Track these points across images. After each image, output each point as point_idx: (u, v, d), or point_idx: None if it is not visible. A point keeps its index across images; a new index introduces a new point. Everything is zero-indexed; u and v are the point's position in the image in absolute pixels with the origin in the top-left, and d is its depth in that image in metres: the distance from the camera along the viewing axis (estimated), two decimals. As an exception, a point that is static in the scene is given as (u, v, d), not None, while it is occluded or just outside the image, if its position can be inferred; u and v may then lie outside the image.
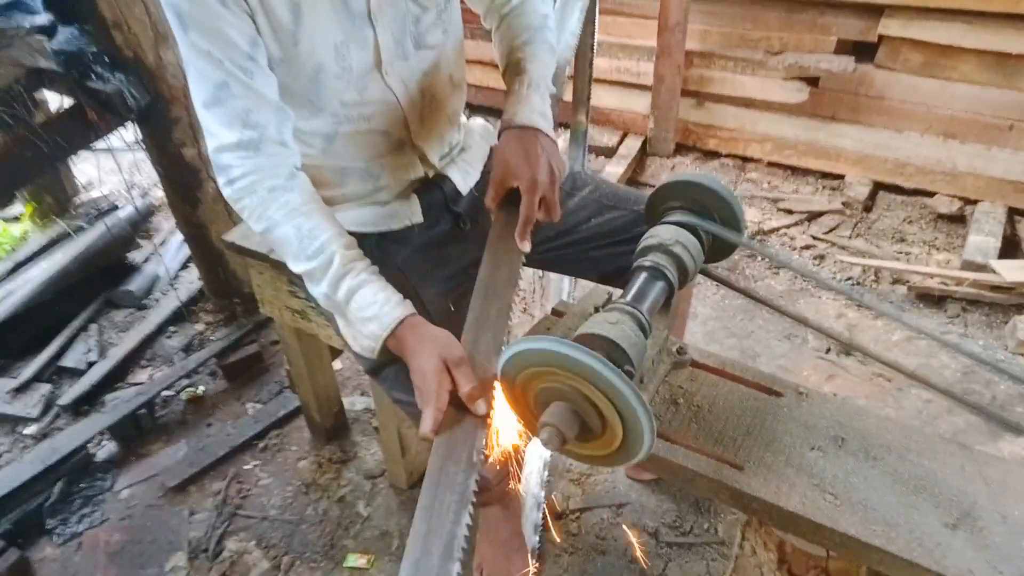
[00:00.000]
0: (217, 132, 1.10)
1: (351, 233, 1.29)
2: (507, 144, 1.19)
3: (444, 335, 1.04)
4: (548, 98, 1.28)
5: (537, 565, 1.72)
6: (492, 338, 1.05)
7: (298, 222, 1.11)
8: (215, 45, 1.04)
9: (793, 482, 1.01)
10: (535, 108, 1.22)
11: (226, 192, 1.14)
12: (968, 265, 2.48)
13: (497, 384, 0.96)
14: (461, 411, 0.98)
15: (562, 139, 3.20)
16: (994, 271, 2.40)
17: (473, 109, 3.49)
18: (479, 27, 1.44)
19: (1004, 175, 2.69)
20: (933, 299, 2.48)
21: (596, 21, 1.92)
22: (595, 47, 1.98)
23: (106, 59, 2.04)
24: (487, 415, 0.97)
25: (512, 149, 1.17)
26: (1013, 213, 2.72)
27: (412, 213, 1.36)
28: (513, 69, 1.30)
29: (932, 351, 2.29)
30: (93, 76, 2.03)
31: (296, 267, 1.14)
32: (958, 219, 2.78)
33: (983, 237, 2.57)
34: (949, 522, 0.96)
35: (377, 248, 1.32)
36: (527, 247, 1.14)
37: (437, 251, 1.38)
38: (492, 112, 1.22)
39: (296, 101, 1.17)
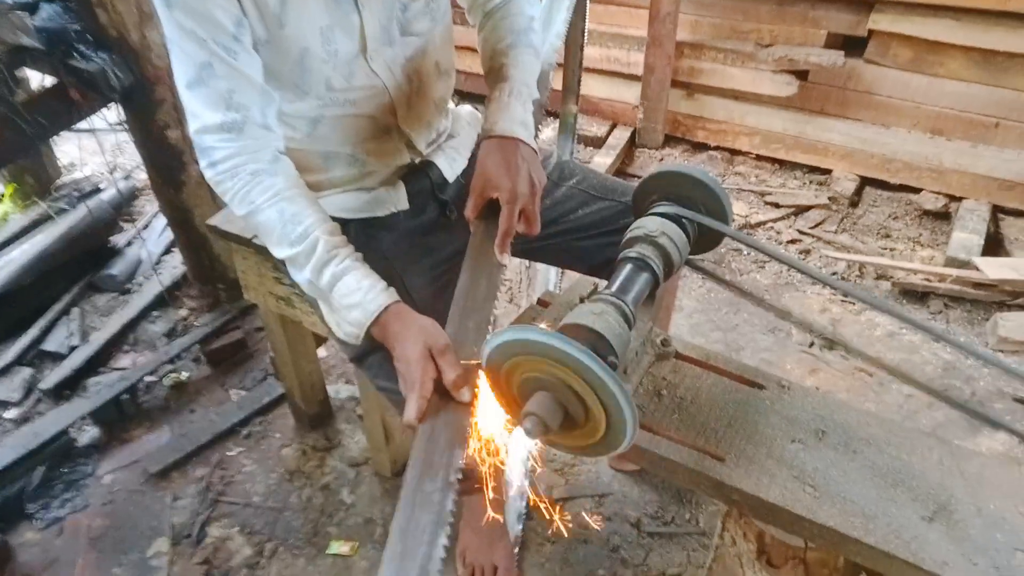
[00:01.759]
0: (200, 113, 1.08)
1: (336, 219, 1.28)
2: (487, 154, 1.17)
3: (429, 323, 1.04)
4: (530, 105, 1.26)
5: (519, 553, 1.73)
6: (471, 353, 1.04)
7: (281, 207, 1.10)
8: (199, 24, 1.03)
9: (773, 474, 1.02)
10: (516, 117, 1.21)
11: (208, 174, 1.12)
12: (951, 262, 2.51)
13: (481, 373, 0.96)
14: (445, 399, 0.98)
15: (551, 128, 3.19)
16: (977, 268, 2.42)
17: (462, 96, 3.48)
18: (459, 10, 1.43)
19: (989, 172, 2.71)
20: (916, 295, 2.50)
21: (587, 11, 1.90)
22: (585, 37, 1.96)
23: (89, 38, 2.01)
24: (471, 403, 0.97)
25: (492, 160, 1.16)
26: (997, 211, 2.75)
27: (398, 200, 1.35)
28: (495, 75, 1.28)
29: (914, 347, 2.31)
30: (76, 55, 2.00)
31: (279, 252, 1.13)
32: (943, 216, 2.80)
33: (967, 234, 2.59)
34: (926, 515, 0.98)
35: (362, 234, 1.31)
36: (506, 260, 1.13)
37: (423, 239, 1.37)
38: (482, 99, 1.22)
39: (282, 83, 1.16)
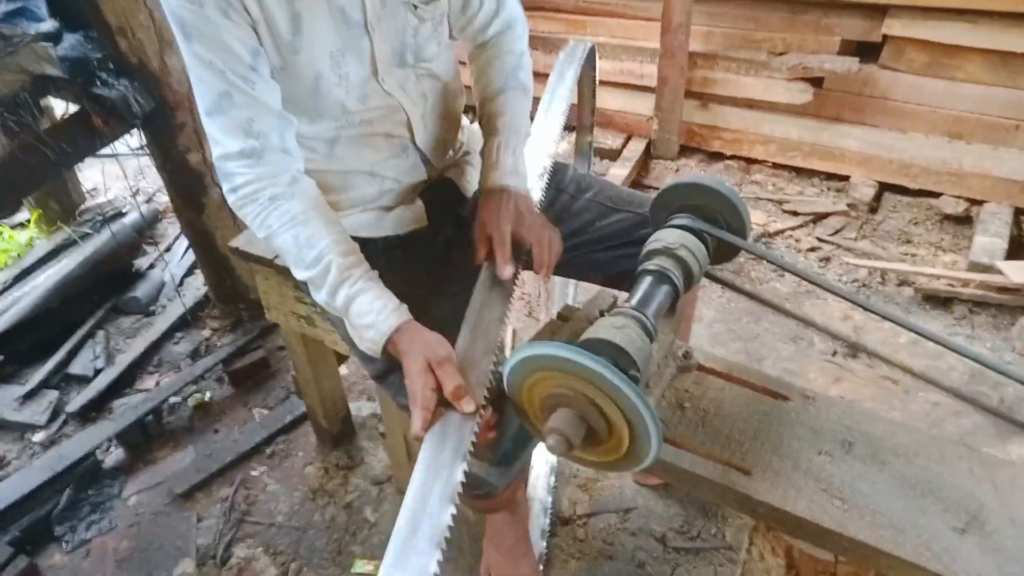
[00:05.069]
0: (221, 140, 1.12)
1: (357, 238, 1.30)
2: (482, 207, 1.25)
3: (433, 338, 1.05)
4: (521, 148, 1.31)
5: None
6: (479, 373, 1.04)
7: (296, 231, 1.12)
8: (217, 55, 1.05)
9: (800, 486, 1.01)
10: (506, 170, 1.27)
11: (230, 199, 1.15)
12: (974, 266, 2.47)
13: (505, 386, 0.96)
14: (452, 410, 0.99)
15: (566, 141, 3.20)
16: (1001, 272, 2.39)
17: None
18: None
19: (1010, 175, 2.68)
20: (940, 301, 2.47)
21: (596, 65, 1.94)
22: (596, 85, 2.01)
23: (111, 65, 2.05)
24: (475, 413, 0.97)
25: (486, 210, 1.23)
26: (1020, 214, 2.71)
27: (417, 217, 1.37)
28: (485, 124, 1.34)
29: (939, 353, 2.28)
30: (98, 82, 2.04)
31: (298, 275, 1.16)
32: (964, 220, 2.77)
33: (989, 238, 2.55)
34: (958, 526, 0.96)
35: (383, 253, 1.33)
36: (509, 272, 1.17)
37: (442, 255, 1.39)
38: None
39: (298, 108, 1.18)
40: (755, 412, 1.13)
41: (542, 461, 1.96)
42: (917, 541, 0.94)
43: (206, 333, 2.61)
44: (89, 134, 2.16)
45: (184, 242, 2.96)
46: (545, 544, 1.78)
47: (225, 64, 1.06)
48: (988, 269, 2.44)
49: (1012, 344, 2.30)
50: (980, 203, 2.75)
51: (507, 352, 2.26)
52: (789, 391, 1.16)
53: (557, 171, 1.52)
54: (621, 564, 1.76)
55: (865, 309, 0.99)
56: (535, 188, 1.39)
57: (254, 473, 2.09)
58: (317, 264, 1.11)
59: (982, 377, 2.19)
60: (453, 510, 0.89)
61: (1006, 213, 2.67)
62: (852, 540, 0.95)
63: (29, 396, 2.37)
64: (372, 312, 1.09)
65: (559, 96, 1.71)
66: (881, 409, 2.10)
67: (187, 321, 2.64)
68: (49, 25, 2.03)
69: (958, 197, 2.79)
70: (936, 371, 2.22)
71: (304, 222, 1.13)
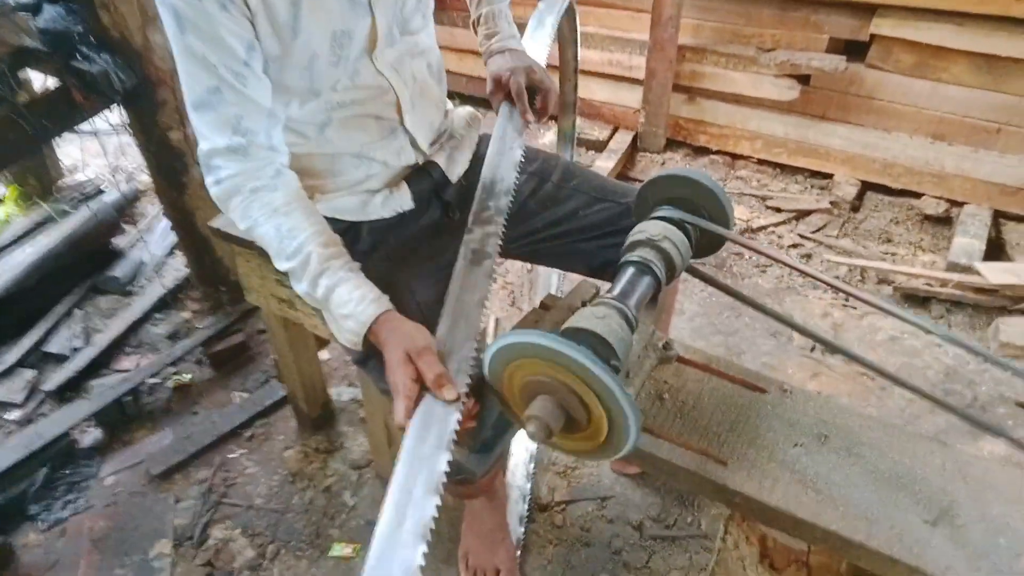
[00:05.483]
0: (208, 135, 1.10)
1: (343, 221, 1.29)
2: (494, 65, 1.45)
3: (413, 328, 1.04)
4: (510, 15, 1.52)
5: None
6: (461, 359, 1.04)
7: (278, 222, 1.11)
8: (211, 50, 1.04)
9: (776, 477, 1.02)
10: (506, 35, 1.48)
11: (213, 191, 1.14)
12: (953, 267, 2.51)
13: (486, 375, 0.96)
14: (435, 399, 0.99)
15: (552, 131, 3.20)
16: (978, 273, 2.42)
17: (464, 99, 3.48)
18: (461, 14, 1.50)
19: (990, 177, 2.71)
20: (918, 300, 2.50)
21: (578, 36, 2.00)
22: (578, 62, 2.04)
23: (92, 39, 2.01)
24: (456, 400, 0.97)
25: (500, 67, 1.44)
26: (998, 216, 2.75)
27: (403, 200, 1.36)
28: (478, 16, 1.54)
29: (916, 351, 2.31)
30: (79, 56, 2.00)
31: (279, 265, 1.15)
32: (944, 221, 2.80)
33: (968, 239, 2.59)
34: (929, 519, 0.98)
35: (368, 236, 1.33)
36: (530, 117, 1.40)
37: (427, 240, 1.39)
38: (482, 101, 1.32)
39: (291, 93, 1.17)
40: (733, 404, 1.14)
41: (521, 448, 1.97)
42: (889, 533, 0.95)
43: (186, 315, 2.59)
44: (69, 109, 2.12)
45: (164, 222, 2.92)
46: (523, 530, 1.80)
47: (219, 59, 1.04)
48: (966, 270, 2.47)
49: (987, 345, 2.33)
50: (960, 204, 2.78)
51: (489, 339, 2.27)
52: (767, 384, 1.17)
53: (542, 160, 1.52)
54: (598, 551, 1.77)
55: (848, 296, 1.00)
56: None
57: (233, 456, 2.08)
58: (298, 255, 1.11)
59: (957, 376, 2.22)
60: (438, 501, 0.88)
61: (985, 215, 2.70)
62: (825, 530, 0.96)
63: (5, 374, 2.33)
64: (352, 302, 1.09)
65: (538, 40, 1.81)
66: (858, 404, 2.13)
67: (167, 302, 2.62)
68: (29, -4, 1.99)
69: (939, 198, 2.82)
70: (912, 368, 2.25)
71: (286, 213, 1.12)
